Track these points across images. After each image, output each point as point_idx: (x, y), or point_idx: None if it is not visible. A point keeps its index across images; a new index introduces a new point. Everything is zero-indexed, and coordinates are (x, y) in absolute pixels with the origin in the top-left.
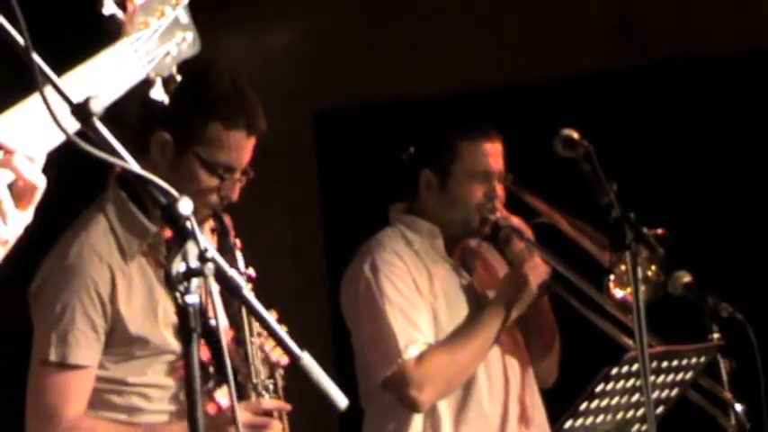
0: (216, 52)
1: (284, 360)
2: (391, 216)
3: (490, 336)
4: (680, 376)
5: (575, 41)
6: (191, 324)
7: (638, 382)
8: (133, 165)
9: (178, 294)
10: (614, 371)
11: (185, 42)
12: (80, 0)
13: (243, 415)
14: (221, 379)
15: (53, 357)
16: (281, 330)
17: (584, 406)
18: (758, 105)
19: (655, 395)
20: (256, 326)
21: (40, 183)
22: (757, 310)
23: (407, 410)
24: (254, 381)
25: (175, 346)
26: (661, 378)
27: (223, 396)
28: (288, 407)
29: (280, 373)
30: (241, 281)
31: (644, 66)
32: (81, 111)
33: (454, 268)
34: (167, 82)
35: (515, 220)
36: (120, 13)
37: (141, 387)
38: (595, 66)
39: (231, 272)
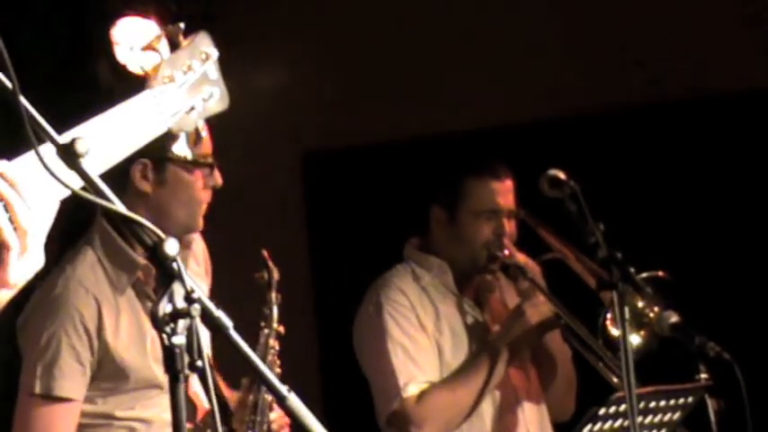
0: None
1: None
2: (405, 252)
3: (491, 373)
4: (668, 416)
5: (564, 82)
6: (177, 365)
7: (626, 423)
8: (119, 206)
9: (165, 336)
10: (602, 411)
11: (212, 98)
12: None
13: None
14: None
15: (38, 390)
16: (268, 371)
17: None
18: (746, 146)
19: None
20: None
21: (31, 228)
22: (744, 350)
23: None
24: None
25: (163, 379)
26: (649, 418)
27: None
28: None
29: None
30: (227, 321)
31: (633, 107)
32: (67, 152)
33: (463, 304)
34: (191, 137)
35: (521, 258)
36: (147, 66)
37: (129, 421)
38: (585, 106)
39: (218, 312)
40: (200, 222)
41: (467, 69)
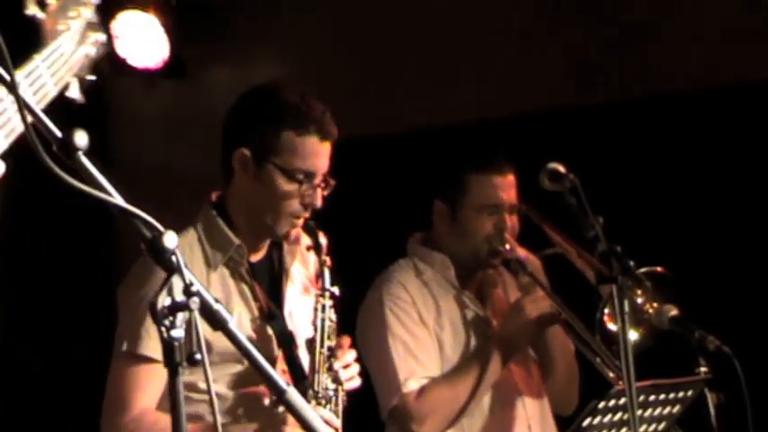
0: (203, 86)
1: (352, 384)
2: (408, 246)
3: (491, 369)
4: (667, 410)
5: (563, 75)
6: (176, 358)
7: (626, 416)
8: (117, 198)
9: (163, 329)
10: (601, 404)
11: (99, 43)
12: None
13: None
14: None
15: (125, 348)
16: (267, 364)
17: None
18: (746, 139)
19: (642, 429)
20: (328, 340)
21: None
22: (744, 344)
23: None
24: (316, 388)
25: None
26: (648, 412)
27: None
28: (337, 422)
29: (342, 390)
30: (226, 315)
31: (632, 100)
32: (66, 145)
33: (465, 299)
34: (82, 82)
35: (522, 253)
36: (40, 14)
37: (207, 394)
38: (584, 100)
39: (216, 306)
40: (283, 232)
41: (468, 61)
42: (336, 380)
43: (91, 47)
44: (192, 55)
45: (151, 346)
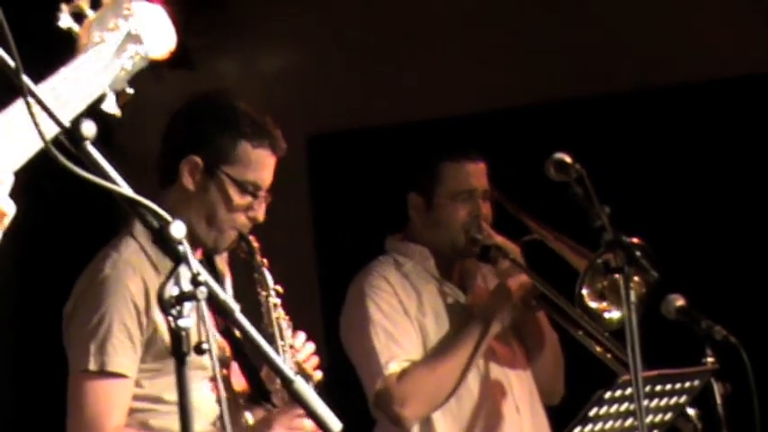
0: (210, 77)
1: (317, 374)
2: (387, 244)
3: (471, 349)
4: (674, 400)
5: (568, 65)
6: (183, 348)
7: (632, 407)
8: (125, 188)
9: (171, 318)
10: (608, 395)
11: (138, 55)
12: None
13: (279, 417)
14: (265, 399)
15: (92, 366)
16: (275, 354)
17: (577, 430)
18: (751, 129)
19: (648, 419)
20: (287, 334)
21: (9, 209)
22: (750, 334)
23: (396, 428)
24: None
25: (208, 363)
26: (655, 402)
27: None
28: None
29: (311, 384)
30: (234, 304)
31: (637, 91)
32: (73, 135)
33: (446, 288)
34: (120, 95)
35: (499, 239)
36: (75, 27)
37: (175, 406)
38: (589, 90)
39: (224, 296)
40: (225, 246)
41: (465, 54)
42: (303, 374)
43: (128, 60)
44: (199, 46)
45: (119, 362)
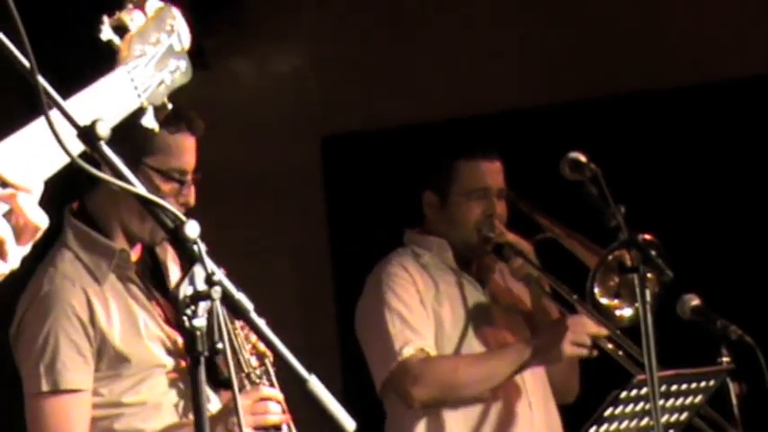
0: (225, 77)
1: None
2: (405, 237)
3: (503, 367)
4: (689, 400)
5: (583, 65)
6: (198, 348)
7: (648, 406)
8: (139, 188)
9: (185, 318)
10: (623, 394)
11: (178, 71)
12: (83, 24)
13: (242, 403)
14: (212, 382)
15: (45, 387)
16: (289, 353)
17: (592, 430)
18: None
19: (664, 419)
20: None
21: (42, 222)
22: (766, 333)
23: (403, 406)
24: (247, 370)
25: (164, 358)
26: (670, 402)
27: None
28: (280, 396)
29: (269, 360)
30: (248, 304)
31: (652, 91)
32: (88, 134)
33: (463, 278)
34: (158, 110)
35: (512, 237)
36: (117, 39)
37: (137, 407)
38: (603, 90)
39: (239, 295)
40: (161, 237)
41: (480, 55)
42: (259, 354)
43: (168, 74)
44: (213, 46)
45: (72, 378)
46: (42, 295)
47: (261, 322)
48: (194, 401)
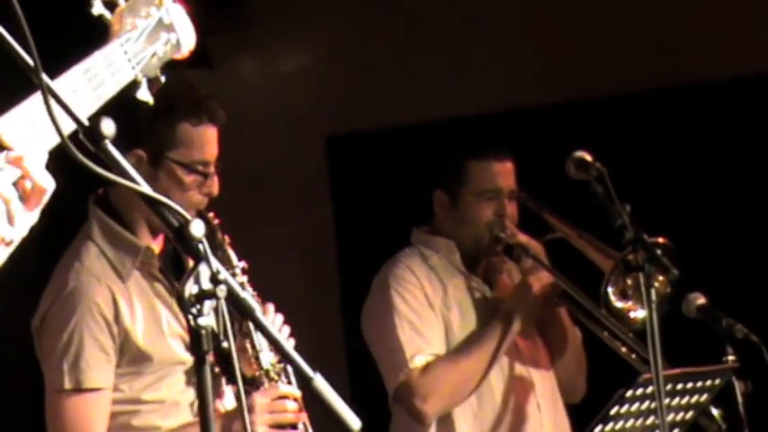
0: (229, 76)
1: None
2: (412, 236)
3: (494, 345)
4: (695, 398)
5: (589, 64)
6: (203, 346)
7: (653, 405)
8: (144, 186)
9: (191, 317)
10: (629, 393)
11: (170, 43)
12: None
13: (259, 400)
14: (228, 379)
15: (68, 385)
16: (293, 351)
17: (598, 429)
18: None
19: (669, 418)
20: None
21: (49, 185)
22: None
23: (416, 423)
24: (266, 367)
25: (184, 355)
26: (676, 400)
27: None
28: (298, 393)
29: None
30: (253, 303)
31: (659, 89)
32: (93, 133)
33: (472, 282)
34: (152, 83)
35: (523, 238)
36: (107, 14)
37: (156, 404)
38: (610, 89)
39: (244, 293)
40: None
41: (485, 54)
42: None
43: (161, 46)
44: (218, 45)
45: (94, 377)
46: (68, 292)
47: (266, 322)
48: (199, 399)
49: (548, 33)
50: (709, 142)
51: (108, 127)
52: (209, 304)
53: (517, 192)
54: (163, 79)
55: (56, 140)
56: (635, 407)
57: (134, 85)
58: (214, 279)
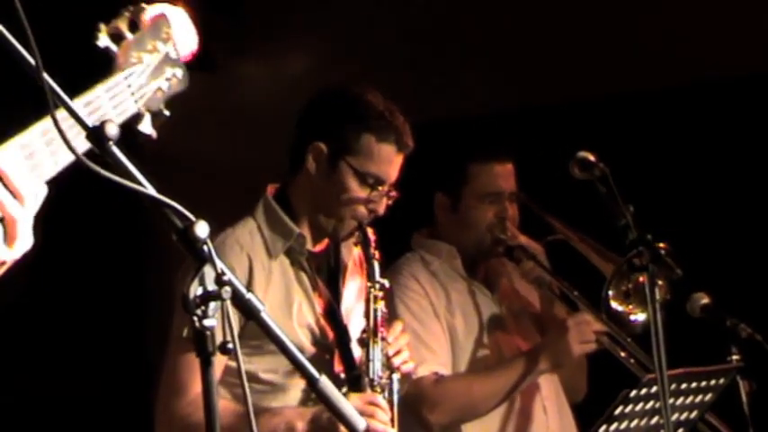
0: (232, 79)
1: (406, 367)
2: (413, 241)
3: (515, 379)
4: (699, 398)
5: (592, 64)
6: (208, 348)
7: (657, 405)
8: (149, 188)
9: (195, 318)
10: (633, 393)
11: (175, 78)
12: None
13: (354, 401)
14: (352, 386)
15: (186, 334)
16: (298, 353)
17: (603, 429)
18: None
19: (674, 417)
20: (382, 330)
21: (19, 216)
22: None
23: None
24: (371, 376)
25: (307, 346)
26: (680, 400)
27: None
28: (387, 412)
29: (397, 377)
30: (258, 304)
31: (662, 90)
32: (97, 135)
33: (473, 286)
34: (156, 116)
35: (523, 240)
36: (113, 47)
37: (269, 386)
38: (612, 89)
39: (248, 295)
40: (343, 234)
41: (494, 52)
42: (390, 366)
43: (165, 81)
44: (220, 48)
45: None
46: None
47: (271, 323)
48: (205, 400)
49: (548, 33)
50: (713, 142)
51: (112, 130)
52: (213, 306)
53: (518, 193)
54: (167, 113)
55: (55, 171)
56: (639, 406)
57: (137, 117)
58: (219, 280)
